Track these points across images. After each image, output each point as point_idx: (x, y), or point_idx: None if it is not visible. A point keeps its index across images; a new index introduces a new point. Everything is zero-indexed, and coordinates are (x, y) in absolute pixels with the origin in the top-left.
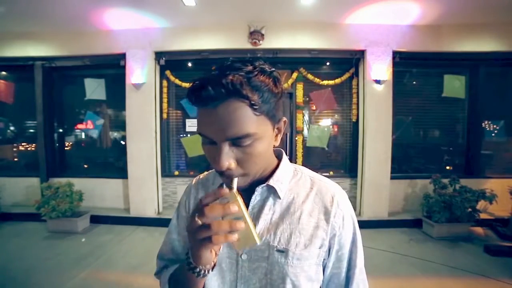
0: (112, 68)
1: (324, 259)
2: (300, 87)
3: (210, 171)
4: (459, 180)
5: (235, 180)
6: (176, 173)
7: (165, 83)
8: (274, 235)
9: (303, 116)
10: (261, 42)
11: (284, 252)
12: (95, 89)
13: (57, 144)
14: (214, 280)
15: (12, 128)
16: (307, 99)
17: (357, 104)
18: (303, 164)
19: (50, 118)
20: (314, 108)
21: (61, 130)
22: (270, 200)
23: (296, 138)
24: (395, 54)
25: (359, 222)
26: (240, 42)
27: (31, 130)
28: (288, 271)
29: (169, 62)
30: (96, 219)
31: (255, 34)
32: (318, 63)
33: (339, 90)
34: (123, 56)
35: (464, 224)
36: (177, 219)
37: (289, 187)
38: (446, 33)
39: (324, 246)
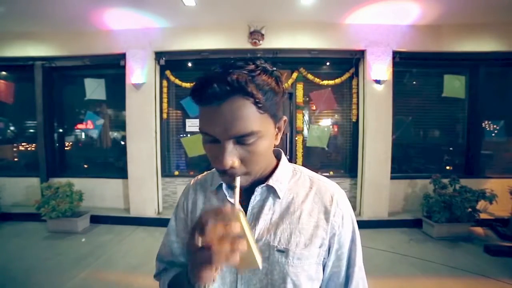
0: (112, 68)
1: (324, 258)
2: (300, 87)
3: (209, 171)
4: (459, 180)
5: (238, 179)
6: (176, 173)
7: (165, 83)
8: (274, 235)
9: (303, 116)
10: (261, 42)
11: (284, 252)
12: (95, 89)
13: (57, 144)
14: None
15: (12, 128)
16: (307, 99)
17: (357, 104)
18: (303, 164)
19: (50, 118)
20: (314, 108)
21: (61, 130)
22: (270, 200)
23: (296, 138)
24: (395, 54)
25: (359, 222)
26: (240, 42)
27: (31, 130)
28: (288, 270)
29: (169, 62)
30: (96, 219)
31: (255, 34)
32: (318, 63)
33: (339, 90)
34: (123, 56)
35: (464, 224)
36: (175, 221)
37: (289, 187)
38: (446, 33)
39: (324, 245)
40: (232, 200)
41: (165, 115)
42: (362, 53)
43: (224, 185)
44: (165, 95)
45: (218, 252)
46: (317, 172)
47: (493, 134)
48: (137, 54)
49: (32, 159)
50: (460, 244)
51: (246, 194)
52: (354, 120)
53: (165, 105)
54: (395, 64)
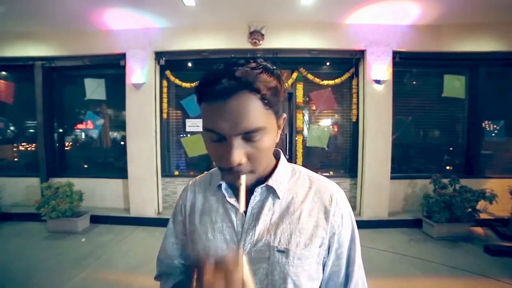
0: (112, 68)
1: (323, 258)
2: (300, 87)
3: (207, 172)
4: (459, 180)
5: (244, 177)
6: (176, 173)
7: (165, 83)
8: (274, 235)
9: (303, 116)
10: (261, 42)
11: (285, 252)
12: (95, 89)
13: (57, 144)
14: None
15: (12, 128)
16: (307, 99)
17: (357, 104)
18: (303, 164)
19: (50, 118)
20: (314, 108)
21: (61, 130)
22: (270, 201)
23: (296, 138)
24: (395, 54)
25: (359, 222)
26: (240, 42)
27: (31, 130)
28: (289, 271)
29: (169, 62)
30: (96, 219)
31: (255, 34)
32: (318, 63)
33: (339, 90)
34: (123, 56)
35: (464, 224)
36: (173, 223)
37: (288, 187)
38: (446, 33)
39: (324, 245)
40: (231, 201)
41: (165, 115)
42: (362, 53)
43: (223, 185)
44: (165, 95)
45: None
46: (317, 172)
47: (493, 134)
48: (137, 54)
49: (32, 159)
50: (460, 244)
51: (248, 193)
52: (354, 120)
53: (165, 105)
54: (395, 64)
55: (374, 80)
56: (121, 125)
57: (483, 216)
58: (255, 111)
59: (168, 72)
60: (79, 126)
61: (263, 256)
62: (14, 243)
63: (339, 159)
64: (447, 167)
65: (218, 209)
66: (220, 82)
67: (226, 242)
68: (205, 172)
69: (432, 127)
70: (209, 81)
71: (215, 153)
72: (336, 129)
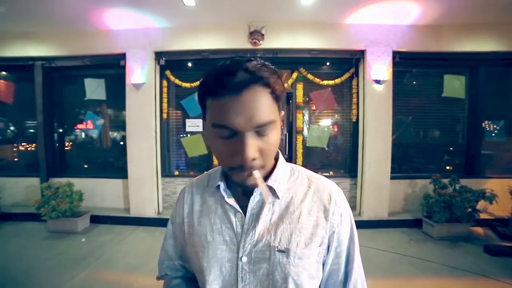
0: (112, 68)
1: (323, 256)
2: (300, 87)
3: (204, 173)
4: (459, 180)
5: (257, 172)
6: (176, 173)
7: (165, 83)
8: (275, 235)
9: (303, 116)
10: (261, 42)
11: (285, 252)
12: (95, 89)
13: (57, 144)
14: (214, 284)
15: (12, 128)
16: (307, 99)
17: (357, 104)
18: (303, 164)
19: (50, 118)
20: (314, 108)
21: (61, 130)
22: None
23: (296, 138)
24: (395, 54)
25: (359, 222)
26: (240, 42)
27: (31, 130)
28: (290, 270)
29: (169, 62)
30: (96, 219)
31: (255, 34)
32: (318, 63)
33: (339, 90)
34: (123, 56)
35: (464, 224)
36: (172, 225)
37: (287, 187)
38: (446, 33)
39: (324, 244)
40: (230, 201)
41: (165, 115)
42: (362, 53)
43: (221, 186)
44: (165, 95)
45: None
46: (317, 172)
47: (493, 134)
48: (137, 54)
49: (32, 159)
50: (460, 244)
51: (245, 195)
52: (354, 120)
53: (165, 105)
54: (395, 64)
55: (374, 80)
56: (121, 125)
57: (483, 216)
58: (267, 105)
59: (168, 72)
60: (79, 126)
61: (264, 257)
62: (14, 243)
63: (339, 159)
64: (447, 167)
65: (216, 210)
66: (234, 75)
67: (225, 243)
68: (202, 174)
69: (432, 127)
70: (221, 74)
71: (226, 150)
72: (336, 129)
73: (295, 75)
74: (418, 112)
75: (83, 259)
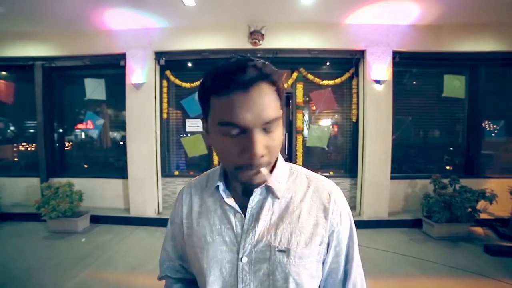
0: (112, 68)
1: (323, 256)
2: (300, 87)
3: (203, 173)
4: (459, 180)
5: (264, 170)
6: (176, 173)
7: (165, 83)
8: (275, 235)
9: (303, 116)
10: (261, 42)
11: (285, 252)
12: (95, 89)
13: (57, 144)
14: (214, 285)
15: (12, 128)
16: (307, 99)
17: (357, 104)
18: (303, 164)
19: (50, 118)
20: (314, 108)
21: (61, 130)
22: (269, 201)
23: (296, 138)
24: (395, 54)
25: (359, 222)
26: (240, 42)
27: (31, 130)
28: (291, 270)
29: (169, 62)
30: (96, 219)
31: (255, 34)
32: (318, 63)
33: (339, 90)
34: (123, 56)
35: (464, 224)
36: (171, 226)
37: (287, 187)
38: (446, 33)
39: (324, 243)
40: (229, 202)
41: (165, 115)
42: (362, 53)
43: (221, 187)
44: (165, 95)
45: None
46: (317, 172)
47: (493, 134)
48: (137, 54)
49: (32, 159)
50: (460, 244)
51: (244, 195)
52: (354, 120)
53: (165, 105)
54: (395, 64)
55: (374, 80)
56: (121, 125)
57: (483, 216)
58: (272, 102)
59: (168, 72)
60: (79, 126)
61: (264, 257)
62: (14, 243)
63: (339, 159)
64: (447, 167)
65: (216, 211)
66: (244, 72)
67: (225, 244)
68: (200, 175)
69: (432, 127)
70: (229, 71)
71: (234, 149)
72: (336, 129)
73: (295, 75)
74: (418, 112)
75: (83, 259)
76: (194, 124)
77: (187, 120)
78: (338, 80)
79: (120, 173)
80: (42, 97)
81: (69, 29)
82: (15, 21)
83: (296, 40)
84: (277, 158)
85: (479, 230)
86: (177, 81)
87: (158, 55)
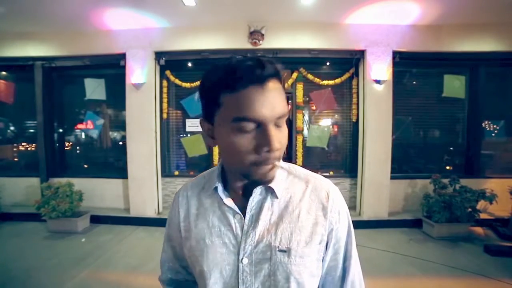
0: (112, 68)
1: (322, 254)
2: (300, 87)
3: (199, 175)
4: (459, 180)
5: (277, 163)
6: (176, 173)
7: (165, 83)
8: (275, 235)
9: (303, 116)
10: (261, 42)
11: (286, 251)
12: (95, 89)
13: (57, 144)
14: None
15: (12, 128)
16: (307, 99)
17: (357, 104)
18: (303, 164)
19: (50, 118)
20: (314, 108)
21: (61, 130)
22: (268, 201)
23: (296, 138)
24: (395, 54)
25: (359, 222)
26: (240, 42)
27: (31, 130)
28: (292, 269)
29: (169, 62)
30: (96, 219)
31: (255, 34)
32: (318, 63)
33: (339, 90)
34: (123, 56)
35: (464, 224)
36: (169, 229)
37: (285, 186)
38: (446, 33)
39: (323, 241)
40: (228, 203)
41: (165, 115)
42: (362, 53)
43: (220, 188)
44: (165, 95)
45: None
46: (317, 172)
47: (493, 134)
48: (137, 54)
49: (32, 159)
50: (460, 244)
51: (244, 196)
52: (354, 120)
53: (165, 105)
54: (395, 64)
55: (374, 80)
56: (121, 125)
57: (483, 216)
58: (283, 97)
59: (168, 72)
60: (79, 126)
61: (265, 257)
62: (14, 243)
63: (339, 159)
64: (447, 167)
65: (214, 213)
66: (259, 67)
67: (225, 246)
68: (196, 176)
69: (432, 127)
70: (245, 66)
71: (250, 144)
72: (336, 129)
73: (295, 75)
74: (418, 112)
75: (83, 259)
76: (194, 124)
77: (187, 120)
78: (338, 80)
79: (120, 173)
80: (42, 97)
81: (69, 29)
82: (15, 21)
83: (296, 40)
84: None
85: (479, 230)
86: (177, 81)
87: (158, 55)
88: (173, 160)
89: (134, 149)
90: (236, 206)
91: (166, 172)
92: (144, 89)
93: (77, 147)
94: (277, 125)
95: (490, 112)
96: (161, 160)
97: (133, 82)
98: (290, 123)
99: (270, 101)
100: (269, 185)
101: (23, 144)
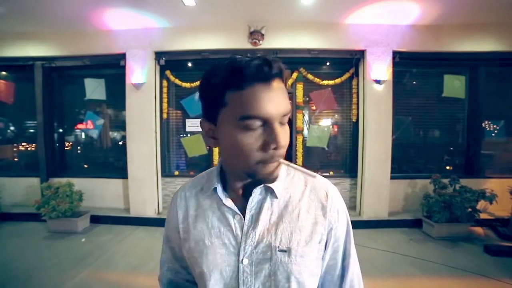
0: (112, 68)
1: (322, 253)
2: (300, 87)
3: (197, 176)
4: (459, 180)
5: (282, 160)
6: (176, 173)
7: (165, 83)
8: (275, 235)
9: (303, 116)
10: (261, 42)
11: (287, 251)
12: (95, 89)
13: (57, 144)
14: None
15: (12, 128)
16: (307, 99)
17: (357, 104)
18: (303, 164)
19: (50, 118)
20: (314, 108)
21: (61, 130)
22: (268, 201)
23: (296, 138)
24: (395, 54)
25: (359, 222)
26: (240, 42)
27: (31, 130)
28: (292, 269)
29: (169, 62)
30: (96, 219)
31: (255, 34)
32: (318, 63)
33: (339, 90)
34: (123, 56)
35: (464, 224)
36: (167, 231)
37: (285, 186)
38: (446, 33)
39: (323, 241)
40: (227, 203)
41: (165, 115)
42: (362, 53)
43: (219, 188)
44: (165, 95)
45: None
46: (317, 172)
47: (493, 134)
48: (137, 54)
49: (32, 159)
50: (460, 244)
51: (243, 196)
52: (354, 120)
53: (165, 105)
54: (395, 64)
55: (374, 80)
56: (121, 125)
57: (483, 216)
58: (286, 95)
59: (168, 72)
60: (79, 126)
61: (265, 257)
62: (14, 243)
63: (339, 159)
64: (447, 167)
65: (213, 214)
66: (266, 65)
67: (225, 247)
68: (194, 177)
69: (432, 127)
70: (252, 66)
71: (257, 142)
72: (336, 129)
73: (295, 75)
74: (418, 112)
75: (83, 259)
76: (194, 124)
77: (187, 120)
78: (338, 80)
79: (120, 173)
80: (42, 97)
81: (69, 29)
82: (15, 21)
83: (296, 40)
84: None
85: (479, 230)
86: (177, 81)
87: (158, 55)
88: (173, 160)
89: (134, 149)
90: (235, 207)
91: (166, 172)
92: (144, 89)
93: (77, 147)
94: (281, 123)
95: (490, 112)
96: (161, 160)
97: (133, 82)
98: (290, 123)
99: (276, 99)
100: (269, 185)
101: (23, 144)
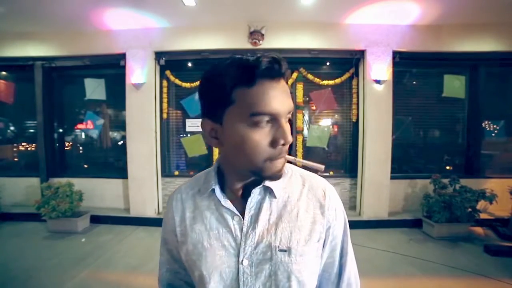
0: (112, 68)
1: (321, 251)
2: (300, 87)
3: (192, 177)
4: (459, 180)
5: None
6: (176, 173)
7: (165, 83)
8: (275, 235)
9: (303, 116)
10: (261, 42)
11: (287, 251)
12: (95, 89)
13: (57, 144)
14: None
15: (12, 128)
16: (307, 99)
17: (357, 104)
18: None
19: (50, 118)
20: (314, 108)
21: (61, 130)
22: (267, 201)
23: (296, 138)
24: (395, 54)
25: (359, 222)
26: (240, 42)
27: (31, 130)
28: (292, 268)
29: (169, 62)
30: (96, 219)
31: (255, 34)
32: (318, 63)
33: (339, 90)
34: (123, 56)
35: (464, 224)
36: (164, 233)
37: (283, 186)
38: (446, 33)
39: (321, 239)
40: (226, 204)
41: (165, 115)
42: (362, 53)
43: (217, 190)
44: (165, 95)
45: None
46: (316, 173)
47: (493, 134)
48: (137, 54)
49: (32, 159)
50: (460, 244)
51: (242, 196)
52: (354, 120)
53: (165, 105)
54: (395, 64)
55: (374, 80)
56: (121, 125)
57: (483, 216)
58: (289, 93)
59: (168, 72)
60: (79, 126)
61: (265, 258)
62: (14, 243)
63: (339, 159)
64: (447, 167)
65: (212, 215)
66: (276, 63)
67: (224, 249)
68: (195, 176)
69: (432, 127)
70: (261, 63)
71: (266, 138)
72: (336, 129)
73: (295, 75)
74: (418, 112)
75: (83, 259)
76: (194, 124)
77: (187, 120)
78: (338, 80)
79: (120, 173)
80: (42, 97)
81: (69, 29)
82: (15, 21)
83: (296, 40)
84: None
85: (479, 230)
86: (177, 81)
87: (158, 55)
88: (173, 160)
89: (134, 149)
90: (234, 208)
91: (166, 172)
92: (144, 89)
93: (77, 147)
94: (285, 120)
95: (490, 112)
96: (161, 160)
97: (133, 82)
98: (290, 123)
99: (283, 96)
100: (268, 185)
101: (23, 144)
